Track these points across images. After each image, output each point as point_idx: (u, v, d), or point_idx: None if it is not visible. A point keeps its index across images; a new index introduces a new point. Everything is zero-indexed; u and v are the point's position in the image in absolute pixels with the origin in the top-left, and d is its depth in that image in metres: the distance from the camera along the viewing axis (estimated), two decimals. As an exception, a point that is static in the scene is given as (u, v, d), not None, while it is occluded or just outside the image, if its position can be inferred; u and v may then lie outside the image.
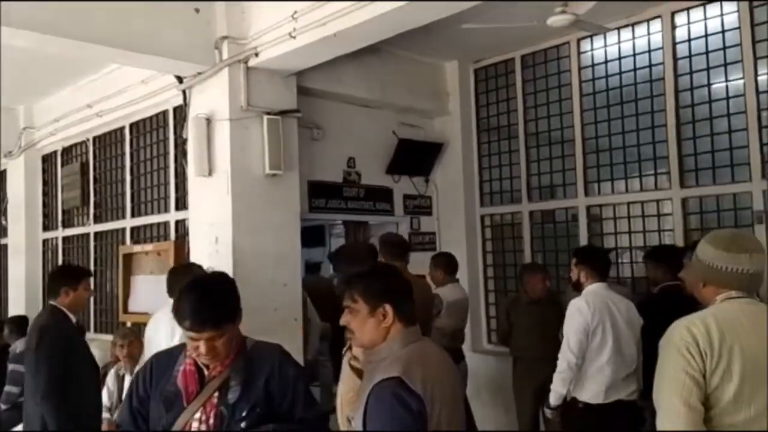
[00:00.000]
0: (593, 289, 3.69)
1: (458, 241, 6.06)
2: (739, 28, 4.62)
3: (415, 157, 6.01)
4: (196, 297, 2.02)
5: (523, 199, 5.90)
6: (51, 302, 3.78)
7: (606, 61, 5.34)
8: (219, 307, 2.04)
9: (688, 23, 4.88)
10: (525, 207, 5.89)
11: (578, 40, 5.46)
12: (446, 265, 4.90)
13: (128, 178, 5.92)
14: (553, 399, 3.69)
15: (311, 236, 8.70)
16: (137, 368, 3.23)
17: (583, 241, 5.41)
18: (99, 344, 5.63)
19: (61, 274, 3.89)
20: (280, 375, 2.11)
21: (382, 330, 1.92)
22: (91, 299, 6.36)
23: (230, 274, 4.20)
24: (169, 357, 2.18)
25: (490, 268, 6.13)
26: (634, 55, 5.17)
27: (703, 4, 4.78)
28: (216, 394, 2.04)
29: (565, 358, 3.59)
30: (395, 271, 2.14)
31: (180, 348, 2.19)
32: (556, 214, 5.74)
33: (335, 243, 10.37)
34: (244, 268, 4.23)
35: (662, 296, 4.08)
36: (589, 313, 3.56)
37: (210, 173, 4.49)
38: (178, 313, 2.01)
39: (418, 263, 6.13)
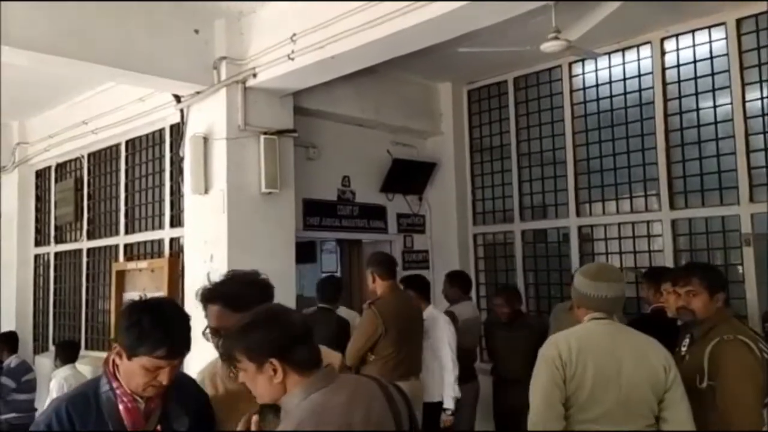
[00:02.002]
0: None
1: (451, 259, 6.11)
2: (727, 54, 4.74)
3: (409, 176, 6.08)
4: (179, 320, 1.86)
5: (515, 219, 5.97)
6: None
7: (597, 85, 5.45)
8: (189, 330, 1.89)
9: (677, 49, 5.00)
10: (517, 226, 5.95)
11: (570, 64, 5.57)
12: (461, 283, 4.98)
13: (123, 194, 5.93)
14: None
15: (302, 252, 8.69)
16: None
17: (575, 261, 5.48)
18: (90, 361, 5.61)
19: None
20: (197, 398, 2.05)
21: (277, 386, 1.69)
22: (83, 316, 6.38)
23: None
24: (85, 399, 1.86)
25: (482, 287, 6.18)
26: (625, 79, 5.28)
27: (692, 31, 4.90)
28: (158, 426, 1.89)
29: None
30: (281, 313, 1.79)
31: (92, 387, 1.90)
32: (548, 234, 5.81)
33: (326, 259, 10.36)
34: (240, 286, 4.23)
35: (651, 317, 4.15)
36: None
37: (206, 191, 4.53)
38: (151, 339, 1.78)
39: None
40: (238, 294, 2.08)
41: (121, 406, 1.84)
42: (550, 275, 5.76)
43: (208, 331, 2.10)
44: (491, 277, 6.16)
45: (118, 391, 1.84)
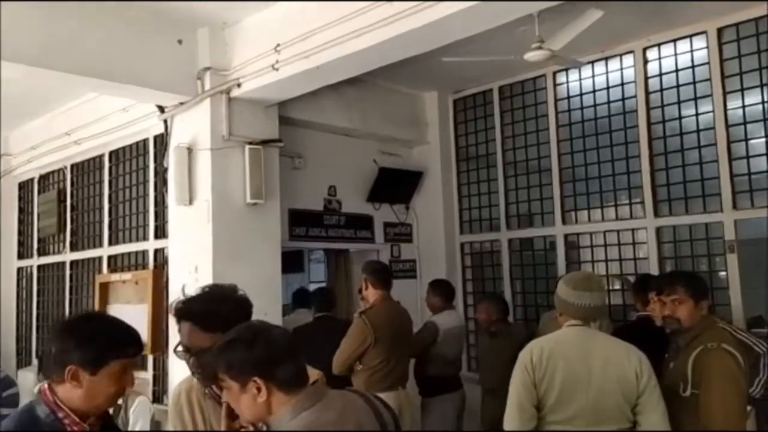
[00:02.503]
0: None
1: (438, 268, 6.10)
2: (708, 63, 4.79)
3: (396, 185, 6.07)
4: (117, 320, 1.84)
5: (501, 227, 5.98)
6: None
7: (581, 94, 5.48)
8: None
9: (659, 58, 5.05)
10: (504, 235, 5.96)
11: (554, 73, 5.60)
12: (444, 292, 4.92)
13: (106, 205, 5.87)
14: None
15: (290, 262, 8.65)
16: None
17: (561, 269, 5.49)
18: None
19: None
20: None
21: (261, 405, 1.65)
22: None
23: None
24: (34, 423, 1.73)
25: (470, 296, 6.17)
26: (608, 88, 5.32)
27: (674, 40, 4.95)
28: None
29: None
30: (263, 331, 1.72)
31: (31, 416, 1.75)
32: (534, 242, 5.82)
33: (314, 269, 10.31)
34: (225, 298, 4.20)
35: (636, 324, 4.16)
36: None
37: (191, 202, 4.49)
38: (117, 341, 1.76)
39: (398, 290, 6.21)
40: (207, 312, 2.02)
41: None
42: (537, 283, 5.77)
43: (180, 348, 2.05)
44: (478, 286, 6.15)
45: (66, 421, 1.72)
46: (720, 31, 4.74)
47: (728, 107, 4.71)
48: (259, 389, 1.64)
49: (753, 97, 4.63)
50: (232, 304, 2.09)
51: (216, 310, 2.02)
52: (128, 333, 1.82)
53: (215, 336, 1.87)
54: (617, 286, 5.31)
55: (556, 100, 5.63)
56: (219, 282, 4.17)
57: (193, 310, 2.06)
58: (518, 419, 2.47)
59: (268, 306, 4.51)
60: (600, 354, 2.47)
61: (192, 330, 2.02)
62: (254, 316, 4.11)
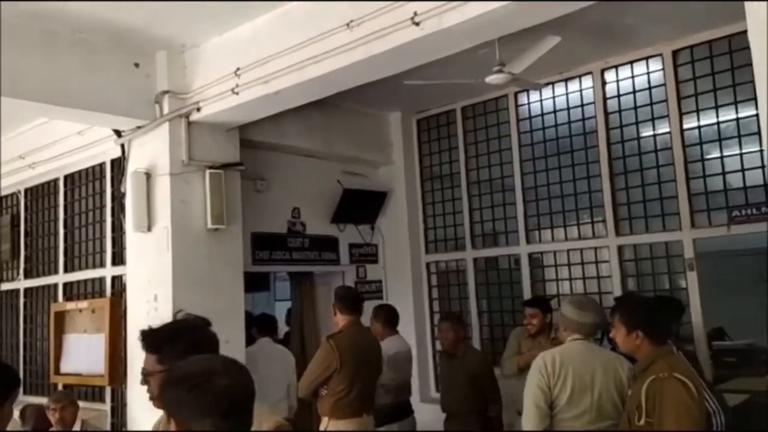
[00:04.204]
0: None
1: (404, 288, 6.09)
2: (665, 84, 4.90)
3: (360, 205, 6.03)
4: None
5: (467, 246, 5.98)
6: None
7: (542, 114, 5.55)
8: None
9: (617, 80, 5.14)
10: (469, 254, 5.97)
11: (516, 93, 5.65)
12: (386, 318, 4.76)
13: (62, 231, 5.69)
14: None
15: (255, 281, 8.50)
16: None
17: (526, 287, 5.51)
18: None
19: None
20: None
21: None
22: (21, 359, 6.06)
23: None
24: None
25: (436, 315, 6.14)
26: (568, 108, 5.39)
27: (631, 62, 5.04)
28: None
29: None
30: (212, 373, 1.52)
31: None
32: (499, 261, 5.84)
33: (279, 287, 10.19)
34: (185, 327, 4.08)
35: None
36: None
37: (149, 228, 4.38)
38: None
39: (364, 311, 6.15)
40: (159, 338, 2.04)
41: None
42: (502, 302, 5.78)
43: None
44: (445, 305, 6.13)
45: None
46: (675, 53, 4.85)
47: (684, 127, 4.81)
48: None
49: (708, 118, 4.74)
50: (184, 336, 2.04)
51: (167, 339, 2.03)
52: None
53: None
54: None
55: (518, 120, 5.68)
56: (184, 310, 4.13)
57: (149, 334, 2.09)
58: (535, 416, 2.92)
59: (230, 334, 4.41)
60: (600, 362, 3.00)
61: (147, 355, 2.06)
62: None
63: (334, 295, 4.24)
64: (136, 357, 4.44)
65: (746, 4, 2.41)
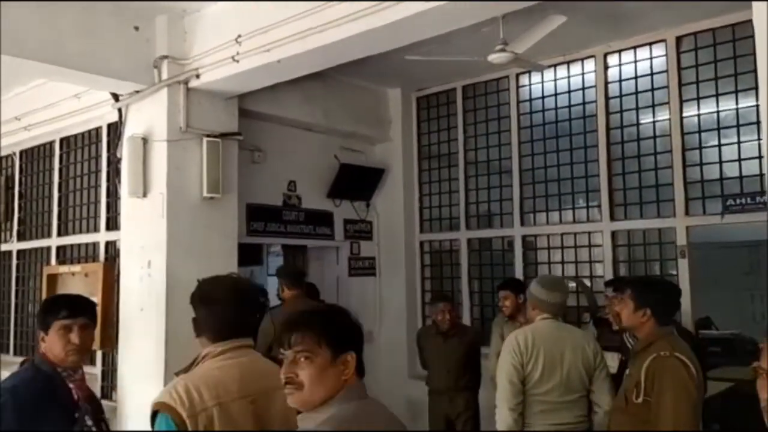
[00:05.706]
0: None
1: (397, 266, 6.10)
2: (666, 71, 4.88)
3: (357, 181, 6.02)
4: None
5: (461, 227, 6.00)
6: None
7: (543, 96, 5.53)
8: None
9: (620, 64, 5.12)
10: (463, 234, 5.98)
11: (517, 75, 5.63)
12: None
13: (56, 194, 5.65)
14: None
15: (248, 254, 8.48)
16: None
17: (519, 269, 5.54)
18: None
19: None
20: None
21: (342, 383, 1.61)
22: (12, 321, 6.07)
23: (163, 298, 4.16)
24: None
25: (428, 294, 6.17)
26: (569, 91, 5.38)
27: (634, 47, 5.02)
28: None
29: None
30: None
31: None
32: (493, 242, 5.86)
33: (273, 262, 10.19)
34: (178, 293, 4.09)
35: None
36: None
37: (144, 194, 4.35)
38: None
39: (357, 288, 6.19)
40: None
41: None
42: (494, 283, 5.79)
43: None
44: (437, 285, 6.16)
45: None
46: (679, 39, 4.83)
47: (684, 115, 4.81)
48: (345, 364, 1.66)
49: (708, 106, 4.73)
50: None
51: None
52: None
53: None
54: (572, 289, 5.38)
55: (518, 102, 5.66)
56: (172, 276, 4.13)
57: None
58: (510, 392, 3.10)
59: (222, 302, 4.42)
60: (568, 340, 3.20)
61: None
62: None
63: (278, 273, 4.67)
64: (128, 321, 4.48)
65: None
